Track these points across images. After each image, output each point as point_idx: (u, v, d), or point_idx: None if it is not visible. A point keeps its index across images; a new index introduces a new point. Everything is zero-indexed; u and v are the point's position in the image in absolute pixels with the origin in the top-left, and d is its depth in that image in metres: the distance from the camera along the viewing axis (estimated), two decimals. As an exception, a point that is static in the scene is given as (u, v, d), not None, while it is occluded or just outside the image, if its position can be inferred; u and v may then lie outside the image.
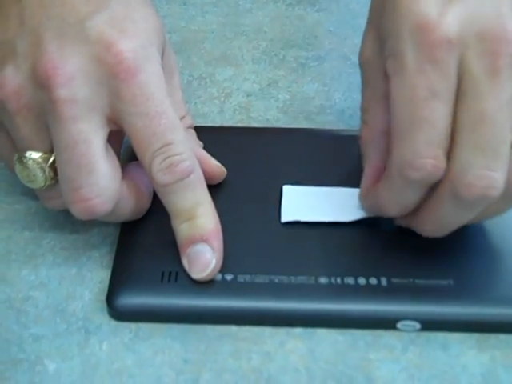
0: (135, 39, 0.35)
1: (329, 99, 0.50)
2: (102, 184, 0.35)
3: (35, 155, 0.35)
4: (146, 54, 0.35)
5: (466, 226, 0.39)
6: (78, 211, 0.35)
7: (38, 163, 0.35)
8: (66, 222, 0.41)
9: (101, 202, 0.35)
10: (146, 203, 0.39)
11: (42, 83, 0.34)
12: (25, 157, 0.35)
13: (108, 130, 0.36)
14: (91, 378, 0.34)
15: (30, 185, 0.37)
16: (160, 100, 0.35)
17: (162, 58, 0.37)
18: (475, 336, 0.36)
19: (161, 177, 0.35)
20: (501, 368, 0.34)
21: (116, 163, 0.36)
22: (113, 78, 0.34)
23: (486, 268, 0.37)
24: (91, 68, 0.34)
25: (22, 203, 0.42)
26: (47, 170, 0.36)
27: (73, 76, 0.34)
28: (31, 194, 0.43)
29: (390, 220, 0.39)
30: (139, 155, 0.36)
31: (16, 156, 0.36)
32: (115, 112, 0.35)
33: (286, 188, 0.41)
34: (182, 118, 0.40)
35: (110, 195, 0.35)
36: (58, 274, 0.39)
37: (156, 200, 0.40)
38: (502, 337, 0.36)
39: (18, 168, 0.36)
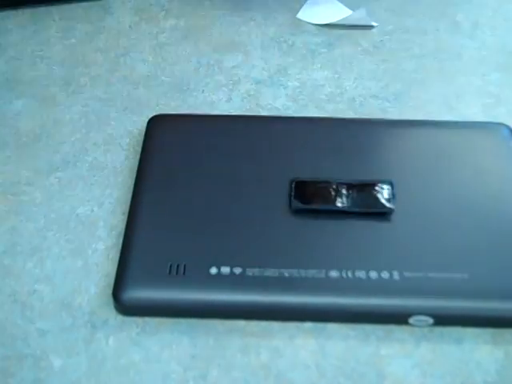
0: None
1: (339, 87, 0.49)
2: None
3: None
4: None
5: (481, 217, 0.38)
6: None
7: None
8: (71, 213, 0.41)
9: None
10: None
11: None
12: None
13: None
14: (97, 374, 0.33)
15: None
16: None
17: None
18: (490, 331, 0.35)
19: None
20: (516, 364, 0.33)
21: None
22: None
23: (501, 261, 0.36)
24: None
25: (27, 194, 0.42)
26: None
27: None
28: (36, 185, 0.42)
29: (403, 212, 0.38)
30: None
31: None
32: None
33: None
34: None
35: None
36: (64, 267, 0.38)
37: (163, 189, 0.40)
38: (518, 332, 0.35)
39: None
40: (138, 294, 0.35)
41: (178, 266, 0.36)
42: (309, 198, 0.39)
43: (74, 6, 0.56)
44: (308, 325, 0.35)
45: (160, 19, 0.54)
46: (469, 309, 0.34)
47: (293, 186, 0.39)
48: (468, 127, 0.43)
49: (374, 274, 0.35)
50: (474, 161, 0.41)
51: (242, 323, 0.35)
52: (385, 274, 0.35)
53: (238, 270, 0.36)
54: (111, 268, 0.38)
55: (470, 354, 0.34)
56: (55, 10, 0.55)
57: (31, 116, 0.47)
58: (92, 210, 0.41)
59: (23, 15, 0.54)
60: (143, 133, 0.45)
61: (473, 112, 0.46)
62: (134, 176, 0.43)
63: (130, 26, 0.54)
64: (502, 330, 0.35)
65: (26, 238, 0.39)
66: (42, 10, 0.55)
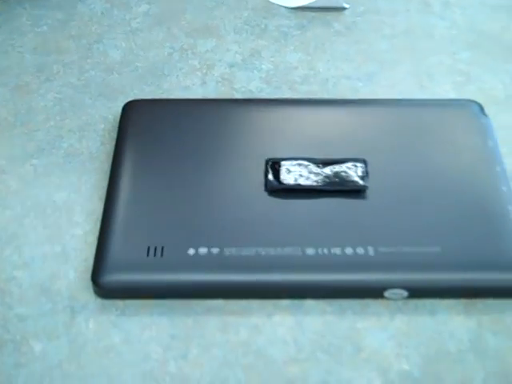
0: None
1: (312, 68, 0.49)
2: None
3: None
4: None
5: (452, 192, 0.39)
6: None
7: None
8: (47, 200, 0.41)
9: None
10: None
11: None
12: None
13: None
14: (78, 357, 0.34)
15: None
16: None
17: None
18: (462, 302, 0.36)
19: None
20: (488, 333, 0.34)
21: None
22: None
23: (471, 234, 0.37)
24: None
25: (2, 182, 0.42)
26: None
27: None
28: (11, 173, 0.42)
29: (377, 189, 0.38)
30: None
31: None
32: None
33: None
34: None
35: None
36: (42, 253, 0.38)
37: (140, 173, 0.40)
38: (489, 302, 0.36)
39: None
40: (116, 277, 0.36)
41: (156, 248, 0.36)
42: (284, 177, 0.39)
43: (45, -7, 0.55)
44: (286, 302, 0.36)
45: (132, 5, 0.54)
46: (441, 281, 0.35)
47: (268, 165, 0.40)
48: (439, 105, 0.44)
49: (349, 250, 0.36)
50: (446, 137, 0.42)
51: (220, 302, 0.36)
52: (360, 250, 0.36)
53: (215, 250, 0.36)
54: (89, 253, 0.38)
55: (444, 324, 0.35)
56: (26, -2, 0.55)
57: (4, 104, 0.47)
58: (69, 196, 0.41)
59: (-6, 4, 0.54)
60: (118, 119, 0.46)
61: (444, 90, 0.47)
62: (111, 161, 0.43)
63: (102, 13, 0.54)
64: (473, 301, 0.36)
65: (2, 225, 0.39)
66: (12, -1, 0.55)
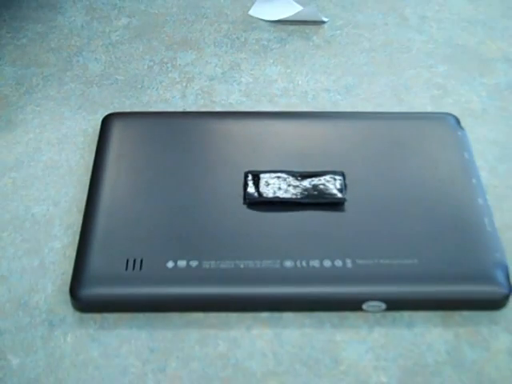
0: None
1: (292, 81, 0.49)
2: None
3: None
4: None
5: (429, 204, 0.39)
6: None
7: None
8: (26, 213, 0.41)
9: None
10: None
11: None
12: None
13: None
14: (56, 371, 0.34)
15: None
16: None
17: None
18: (440, 314, 0.36)
19: None
20: (465, 344, 0.35)
21: None
22: None
23: (448, 246, 0.37)
24: None
25: (-19, 196, 0.42)
26: None
27: None
28: (-10, 185, 0.42)
29: (355, 202, 0.39)
30: None
31: None
32: None
33: None
34: None
35: None
36: (20, 266, 0.38)
37: (119, 186, 0.40)
38: (466, 314, 0.36)
39: None
40: (95, 290, 0.35)
41: (134, 261, 0.36)
42: (263, 189, 0.39)
43: (24, 5, 0.55)
44: (264, 315, 0.36)
45: (112, 18, 0.54)
46: (419, 293, 0.35)
47: (247, 178, 0.40)
48: (417, 118, 0.45)
49: (327, 263, 0.36)
50: (423, 150, 0.42)
51: (199, 315, 0.36)
52: (338, 263, 0.36)
53: (194, 263, 0.36)
54: (68, 266, 0.38)
55: (422, 336, 0.35)
56: (5, 11, 0.55)
57: (-17, 117, 0.46)
58: (48, 209, 0.41)
59: (-27, 16, 0.54)
60: (98, 131, 0.46)
61: (421, 103, 0.48)
62: (90, 174, 0.43)
63: (81, 26, 0.54)
64: (451, 313, 0.36)
65: (-20, 239, 0.39)
66: (-8, 11, 0.55)
